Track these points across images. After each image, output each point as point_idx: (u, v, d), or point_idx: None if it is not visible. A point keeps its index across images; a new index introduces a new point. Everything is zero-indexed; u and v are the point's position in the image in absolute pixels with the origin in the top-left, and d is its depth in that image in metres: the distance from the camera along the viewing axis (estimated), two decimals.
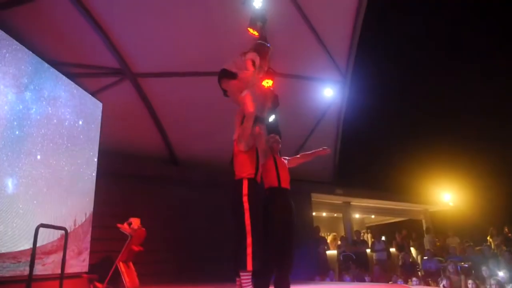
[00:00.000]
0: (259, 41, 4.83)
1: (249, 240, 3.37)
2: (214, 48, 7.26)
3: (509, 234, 10.60)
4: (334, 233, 13.14)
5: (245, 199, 3.51)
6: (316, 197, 11.48)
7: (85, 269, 6.23)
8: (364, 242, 11.70)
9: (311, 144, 9.94)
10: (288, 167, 4.52)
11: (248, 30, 5.69)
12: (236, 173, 3.70)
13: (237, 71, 3.94)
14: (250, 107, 3.71)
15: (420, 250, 11.78)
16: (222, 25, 7.02)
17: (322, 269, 9.95)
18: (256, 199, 3.57)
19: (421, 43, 17.23)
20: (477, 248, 9.92)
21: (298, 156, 4.59)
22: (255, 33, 5.65)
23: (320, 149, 4.54)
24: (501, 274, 7.89)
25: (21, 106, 5.16)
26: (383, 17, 13.98)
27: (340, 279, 9.85)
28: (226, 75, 3.99)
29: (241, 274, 3.38)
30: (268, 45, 4.48)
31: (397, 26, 15.92)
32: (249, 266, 3.31)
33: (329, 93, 9.03)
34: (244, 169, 3.68)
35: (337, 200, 12.61)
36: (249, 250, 3.34)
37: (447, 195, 14.84)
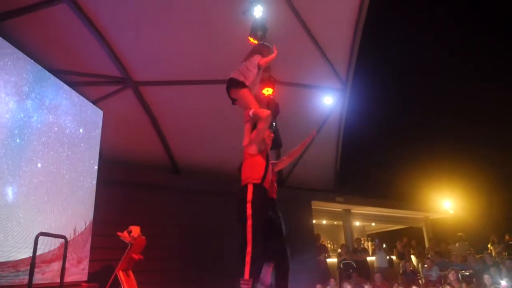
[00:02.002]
0: (260, 42, 4.86)
1: (248, 248, 3.30)
2: (215, 57, 7.30)
3: (510, 242, 10.55)
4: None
5: (248, 205, 3.40)
6: (316, 205, 11.45)
7: (85, 277, 6.21)
8: (365, 250, 11.67)
9: (312, 152, 9.95)
10: (279, 168, 4.51)
11: (248, 39, 5.72)
12: (242, 179, 3.62)
13: (244, 79, 3.96)
14: (264, 110, 3.71)
15: (421, 258, 11.72)
16: (223, 34, 7.05)
17: (323, 277, 9.89)
18: (260, 206, 3.46)
19: (422, 49, 17.30)
20: (478, 256, 9.88)
21: (285, 156, 4.56)
22: (256, 42, 5.68)
23: (306, 138, 4.51)
24: (503, 282, 7.85)
25: (22, 114, 5.17)
26: (383, 24, 14.04)
27: (341, 287, 9.79)
28: (235, 84, 3.98)
29: (241, 281, 3.31)
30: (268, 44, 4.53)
31: (397, 33, 16.00)
32: (247, 274, 3.25)
33: (329, 101, 9.05)
34: (250, 174, 3.59)
35: (338, 207, 12.58)
36: (248, 258, 3.27)
37: (447, 203, 14.82)
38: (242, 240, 3.40)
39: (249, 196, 3.44)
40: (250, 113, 3.77)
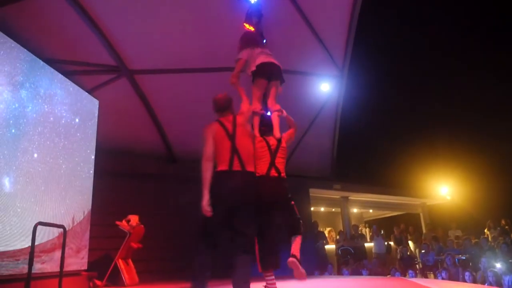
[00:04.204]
0: None
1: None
2: (210, 44, 7.24)
3: (506, 227, 10.65)
4: (329, 228, 13.18)
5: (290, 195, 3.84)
6: (314, 192, 11.50)
7: (84, 266, 6.24)
8: (362, 236, 11.77)
9: (309, 140, 9.94)
10: None
11: (244, 25, 5.68)
12: (283, 172, 3.91)
13: None
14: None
15: (418, 243, 11.84)
16: (218, 21, 6.98)
17: (321, 264, 9.99)
18: None
19: (420, 36, 17.20)
20: (475, 240, 9.99)
21: None
22: (251, 28, 5.64)
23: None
24: (498, 266, 7.95)
25: (17, 105, 5.14)
26: (380, 9, 13.95)
27: (339, 273, 9.90)
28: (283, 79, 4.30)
29: (295, 258, 3.58)
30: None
31: (395, 19, 15.91)
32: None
33: (326, 88, 9.02)
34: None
35: (335, 195, 12.64)
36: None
37: (444, 189, 14.90)
38: (290, 221, 3.74)
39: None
40: (285, 114, 4.18)
